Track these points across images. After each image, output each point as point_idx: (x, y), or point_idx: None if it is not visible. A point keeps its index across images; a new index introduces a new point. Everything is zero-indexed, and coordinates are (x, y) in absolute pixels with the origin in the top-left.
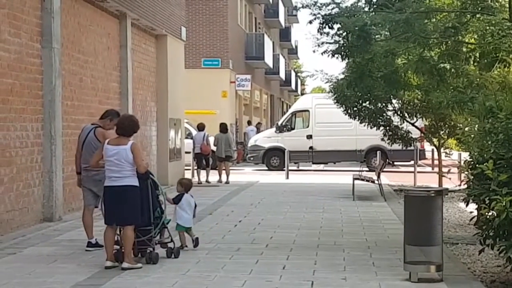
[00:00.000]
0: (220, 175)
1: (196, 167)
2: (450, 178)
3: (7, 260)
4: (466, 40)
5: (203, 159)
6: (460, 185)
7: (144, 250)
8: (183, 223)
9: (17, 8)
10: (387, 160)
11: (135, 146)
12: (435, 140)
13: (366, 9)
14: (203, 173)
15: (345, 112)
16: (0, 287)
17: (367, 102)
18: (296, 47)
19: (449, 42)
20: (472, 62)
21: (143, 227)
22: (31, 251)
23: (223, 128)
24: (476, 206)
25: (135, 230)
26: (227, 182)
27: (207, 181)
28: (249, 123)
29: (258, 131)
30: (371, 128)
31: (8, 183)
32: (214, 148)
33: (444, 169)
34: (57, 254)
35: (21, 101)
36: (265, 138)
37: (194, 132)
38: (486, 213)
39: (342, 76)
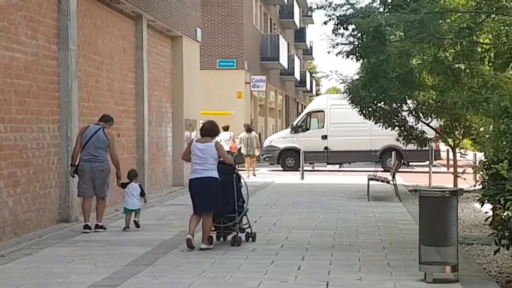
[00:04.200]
0: (247, 170)
1: None
2: (465, 179)
3: (24, 261)
4: (481, 41)
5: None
6: (475, 185)
7: (228, 234)
8: (130, 206)
9: (34, 10)
10: (402, 160)
11: (218, 143)
12: (450, 140)
13: (381, 9)
14: None
15: (360, 112)
16: (17, 287)
17: (382, 103)
18: (311, 47)
19: (463, 42)
20: (487, 62)
21: (228, 214)
22: (48, 251)
23: (248, 129)
24: (491, 206)
25: (222, 216)
26: (254, 175)
27: None
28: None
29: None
30: (386, 128)
31: (24, 184)
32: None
33: (459, 169)
34: (73, 255)
35: (38, 103)
36: (280, 139)
37: None
38: (501, 213)
39: (356, 76)
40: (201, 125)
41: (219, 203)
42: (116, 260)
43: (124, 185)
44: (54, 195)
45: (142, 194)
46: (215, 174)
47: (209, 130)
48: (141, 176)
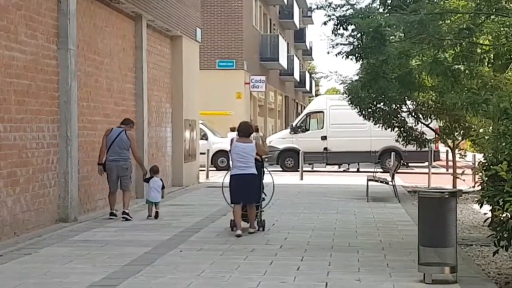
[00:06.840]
0: None
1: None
2: (464, 180)
3: (23, 260)
4: (481, 42)
5: None
6: (474, 186)
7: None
8: (152, 199)
9: (34, 10)
10: (402, 161)
11: (258, 143)
12: (449, 141)
13: (381, 10)
14: None
15: (359, 113)
16: (16, 287)
17: (382, 103)
18: (311, 48)
19: (463, 43)
20: (486, 64)
21: (257, 203)
22: (46, 251)
23: (256, 129)
24: (490, 208)
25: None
26: None
27: None
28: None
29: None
30: (385, 129)
31: (24, 183)
32: None
33: (458, 171)
34: (72, 255)
35: (37, 102)
36: (280, 139)
37: (209, 133)
38: (500, 215)
39: (356, 77)
40: (201, 123)
41: (258, 195)
42: (114, 260)
43: (147, 180)
44: (53, 195)
45: (163, 187)
46: (254, 171)
47: (246, 131)
48: (140, 176)
